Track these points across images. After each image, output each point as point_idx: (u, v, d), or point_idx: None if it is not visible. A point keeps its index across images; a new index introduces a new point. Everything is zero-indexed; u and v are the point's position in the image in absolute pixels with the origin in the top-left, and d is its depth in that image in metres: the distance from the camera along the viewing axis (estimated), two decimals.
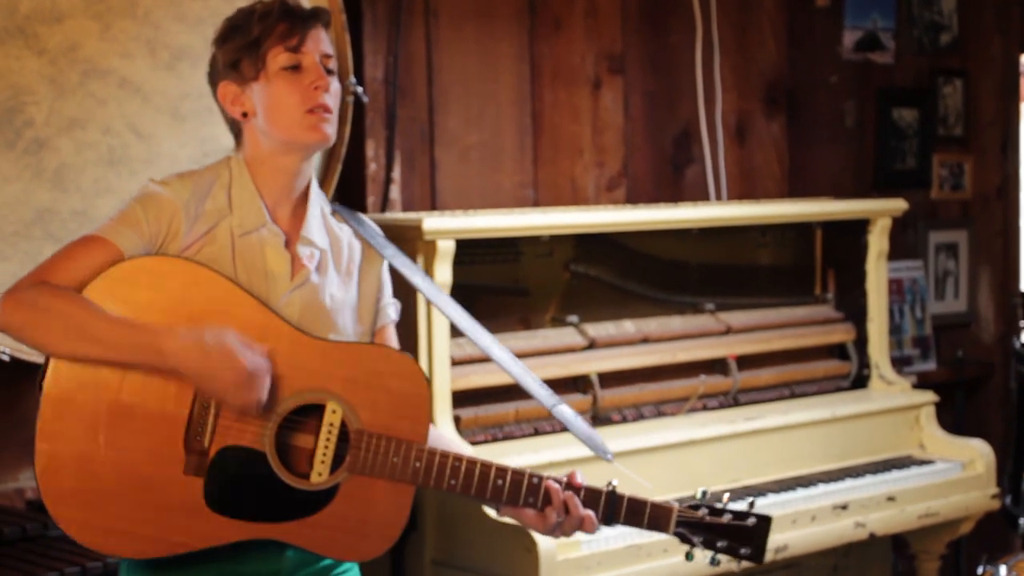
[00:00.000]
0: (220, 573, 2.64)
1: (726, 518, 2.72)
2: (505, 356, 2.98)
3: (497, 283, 3.93)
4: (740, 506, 2.73)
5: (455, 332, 3.67)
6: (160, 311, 2.56)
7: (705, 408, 4.22)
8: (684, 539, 2.72)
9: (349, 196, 3.97)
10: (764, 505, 3.88)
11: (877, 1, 5.35)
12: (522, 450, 3.65)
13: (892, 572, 4.83)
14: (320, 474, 2.64)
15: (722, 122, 4.94)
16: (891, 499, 4.16)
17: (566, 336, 3.97)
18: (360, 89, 3.58)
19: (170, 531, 2.57)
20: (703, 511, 2.72)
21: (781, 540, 3.88)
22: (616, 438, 3.83)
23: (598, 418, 3.97)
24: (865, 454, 4.36)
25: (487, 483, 2.68)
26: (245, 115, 2.71)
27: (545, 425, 3.84)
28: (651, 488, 2.89)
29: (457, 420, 3.66)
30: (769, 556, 3.84)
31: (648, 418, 4.08)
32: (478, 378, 3.71)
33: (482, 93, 4.43)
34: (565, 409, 2.93)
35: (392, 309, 2.89)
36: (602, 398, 3.97)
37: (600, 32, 4.68)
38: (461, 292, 3.69)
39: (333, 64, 2.75)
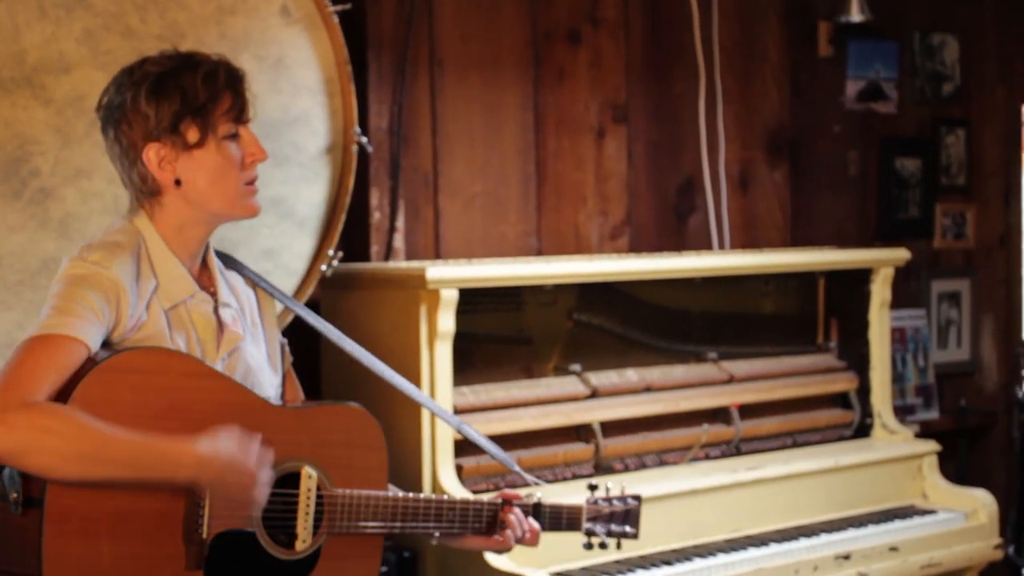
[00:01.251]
0: None
1: (616, 505, 3.07)
2: (405, 383, 3.11)
3: (500, 332, 3.94)
4: (617, 491, 3.09)
5: (458, 381, 3.67)
6: (143, 408, 2.50)
7: (708, 457, 4.22)
8: (590, 532, 3.08)
9: (353, 245, 3.99)
10: (767, 555, 3.88)
11: (880, 51, 5.38)
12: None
13: None
14: (304, 541, 2.67)
15: (725, 171, 4.96)
16: (894, 549, 4.15)
17: (569, 385, 3.97)
18: (365, 139, 3.60)
19: None
20: (603, 504, 3.06)
21: None
22: None
23: (600, 467, 3.97)
24: (868, 504, 4.35)
25: (442, 517, 2.86)
26: (178, 182, 2.60)
27: (547, 473, 3.84)
28: (551, 491, 3.17)
29: (459, 469, 3.66)
30: None
31: (650, 467, 4.07)
32: (480, 427, 3.70)
33: (486, 142, 4.45)
34: (468, 428, 3.21)
35: (287, 347, 2.91)
36: (604, 447, 3.97)
37: (604, 82, 4.70)
38: (464, 341, 3.70)
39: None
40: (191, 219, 2.64)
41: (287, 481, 2.66)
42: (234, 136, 2.63)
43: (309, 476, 2.67)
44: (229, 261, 2.86)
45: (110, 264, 2.53)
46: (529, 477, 3.16)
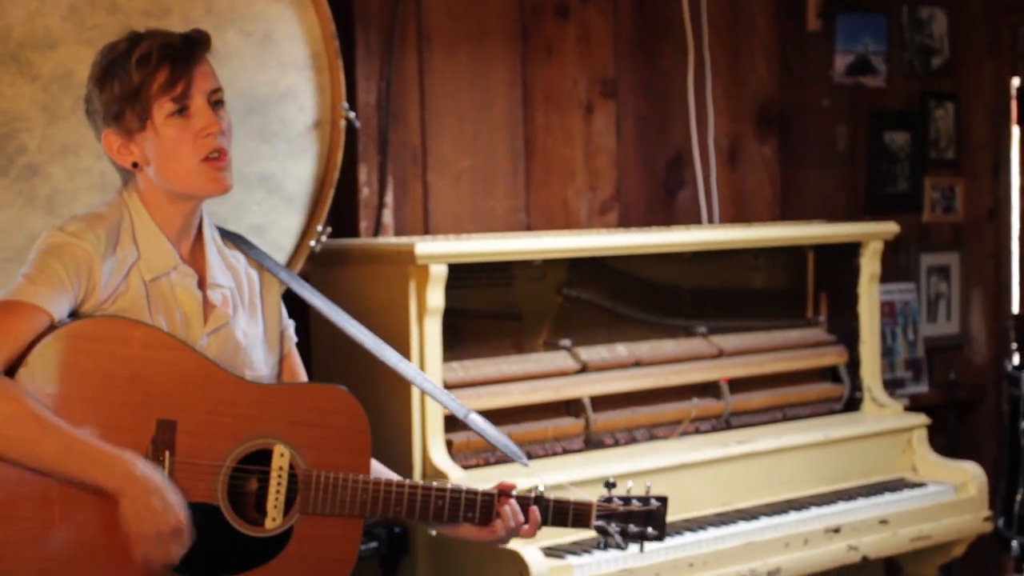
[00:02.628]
0: None
1: (635, 505, 2.86)
2: (411, 370, 3.02)
3: (490, 307, 3.93)
4: (640, 491, 2.90)
5: (448, 356, 3.67)
6: (103, 376, 2.52)
7: (698, 431, 4.22)
8: (602, 531, 2.86)
9: (342, 221, 3.98)
10: (757, 528, 3.89)
11: (869, 25, 5.37)
12: (513, 474, 3.64)
13: None
14: (274, 519, 2.65)
15: (714, 145, 4.96)
16: (884, 522, 4.16)
17: (559, 360, 3.97)
18: (353, 114, 3.59)
19: None
20: (617, 502, 2.86)
21: (774, 563, 3.88)
22: (609, 462, 3.83)
23: (591, 441, 3.97)
24: (857, 477, 4.36)
25: (429, 505, 2.73)
26: (136, 165, 2.62)
27: (537, 449, 3.85)
28: (569, 488, 3.01)
29: (449, 444, 3.66)
30: None
31: (641, 441, 4.08)
32: (470, 403, 3.70)
33: (475, 118, 4.44)
34: (476, 417, 3.02)
35: (292, 330, 2.89)
36: (595, 422, 3.97)
37: (592, 57, 4.69)
38: (454, 316, 3.70)
39: (222, 94, 2.65)
40: (164, 197, 2.65)
41: (259, 458, 2.64)
42: (183, 111, 2.59)
43: (281, 454, 2.64)
44: (238, 240, 2.85)
45: (85, 235, 2.56)
46: (538, 481, 3.02)
